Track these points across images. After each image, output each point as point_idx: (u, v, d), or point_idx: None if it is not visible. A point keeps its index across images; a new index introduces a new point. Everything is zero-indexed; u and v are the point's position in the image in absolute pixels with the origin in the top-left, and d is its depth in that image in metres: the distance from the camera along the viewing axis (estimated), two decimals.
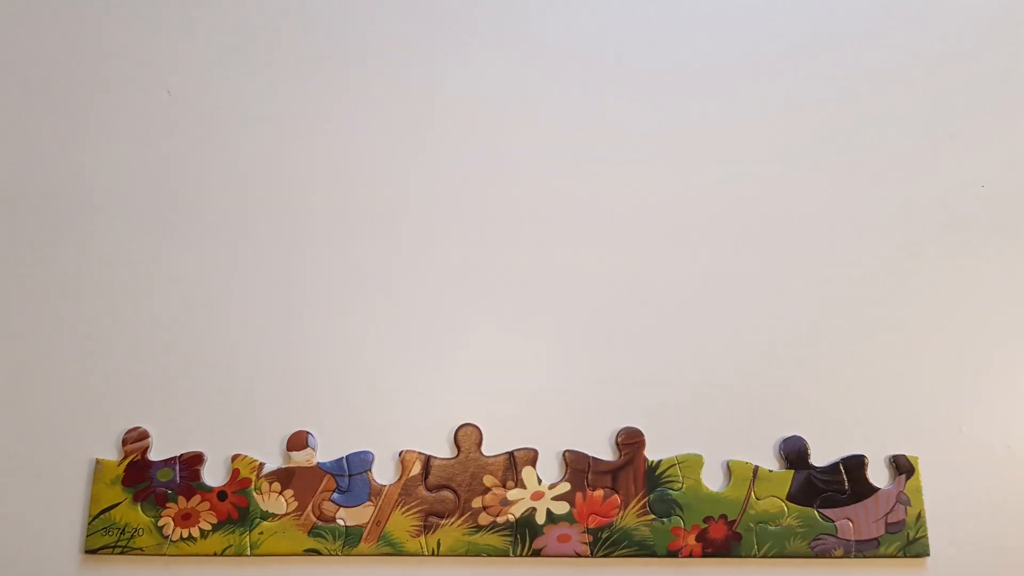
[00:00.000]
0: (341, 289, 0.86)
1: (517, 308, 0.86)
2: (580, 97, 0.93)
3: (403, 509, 0.81)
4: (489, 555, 0.80)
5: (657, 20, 0.96)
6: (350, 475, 0.82)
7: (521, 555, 0.80)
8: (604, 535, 0.81)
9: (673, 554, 0.80)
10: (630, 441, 0.83)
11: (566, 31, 0.95)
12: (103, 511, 0.80)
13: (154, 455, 0.81)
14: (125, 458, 0.81)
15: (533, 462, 0.82)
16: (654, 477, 0.82)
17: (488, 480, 0.82)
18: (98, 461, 0.81)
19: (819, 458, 0.82)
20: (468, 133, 0.91)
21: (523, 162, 0.91)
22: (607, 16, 0.96)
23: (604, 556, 0.80)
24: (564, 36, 0.95)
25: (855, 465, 0.83)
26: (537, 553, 0.80)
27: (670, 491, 0.82)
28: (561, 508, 0.81)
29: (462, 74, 0.93)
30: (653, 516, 0.81)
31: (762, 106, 0.95)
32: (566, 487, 0.82)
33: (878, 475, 0.82)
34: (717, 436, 0.83)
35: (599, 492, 0.82)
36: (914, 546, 0.80)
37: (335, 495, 0.81)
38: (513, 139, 0.92)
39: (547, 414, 0.84)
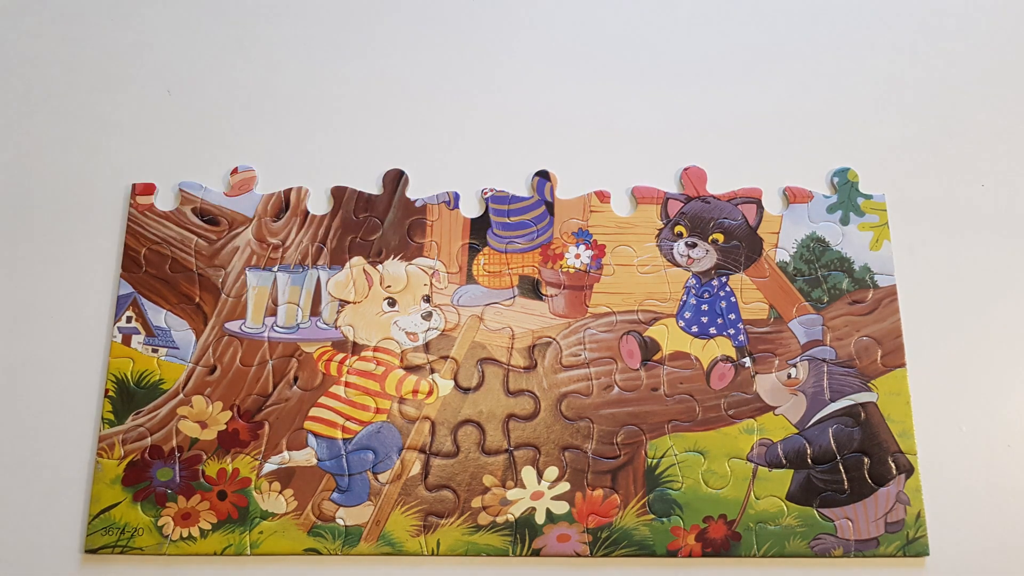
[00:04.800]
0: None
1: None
2: None
3: (403, 509, 0.81)
4: (489, 555, 0.80)
5: None
6: (350, 475, 0.82)
7: (521, 555, 0.80)
8: (603, 535, 0.81)
9: (672, 554, 0.80)
10: (630, 440, 0.83)
11: None
12: (103, 511, 0.80)
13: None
14: (125, 457, 0.81)
15: (533, 462, 0.82)
16: (653, 477, 0.82)
17: (488, 480, 0.82)
18: (98, 461, 0.81)
19: None
20: None
21: None
22: None
23: (603, 556, 0.80)
24: None
25: (855, 464, 0.83)
26: (537, 553, 0.80)
27: (669, 491, 0.82)
28: (560, 508, 0.81)
29: None
30: (652, 516, 0.81)
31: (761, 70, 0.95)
32: (565, 487, 0.82)
33: None
34: None
35: (598, 492, 0.82)
36: (913, 545, 0.80)
37: (335, 495, 0.81)
38: None
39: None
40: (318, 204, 0.90)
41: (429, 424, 0.83)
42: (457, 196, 0.91)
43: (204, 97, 0.94)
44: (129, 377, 0.84)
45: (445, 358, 0.85)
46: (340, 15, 0.98)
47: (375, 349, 0.85)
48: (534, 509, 0.81)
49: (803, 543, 0.80)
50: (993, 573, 0.81)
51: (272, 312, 0.87)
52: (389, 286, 0.88)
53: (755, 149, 0.94)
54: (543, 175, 0.91)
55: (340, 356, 0.85)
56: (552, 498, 0.81)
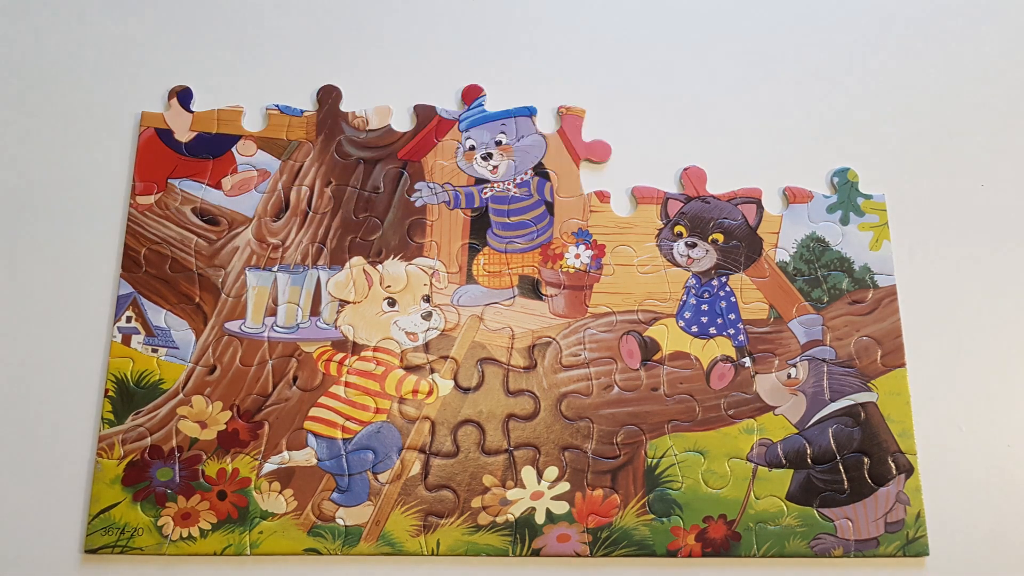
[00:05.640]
0: None
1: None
2: None
3: (403, 509, 0.81)
4: (488, 555, 0.80)
5: None
6: (350, 475, 0.82)
7: (520, 555, 0.80)
8: (603, 535, 0.81)
9: (672, 554, 0.80)
10: (630, 440, 0.83)
11: None
12: (103, 511, 0.80)
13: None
14: (125, 457, 0.81)
15: (533, 462, 0.82)
16: (653, 477, 0.82)
17: (487, 480, 0.82)
18: (98, 461, 0.81)
19: None
20: None
21: None
22: None
23: (603, 556, 0.80)
24: None
25: (854, 464, 0.83)
26: (536, 553, 0.80)
27: (669, 491, 0.82)
28: (560, 508, 0.81)
29: None
30: (652, 516, 0.81)
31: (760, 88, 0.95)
32: (565, 487, 0.82)
33: None
34: None
35: (598, 492, 0.82)
36: (913, 545, 0.80)
37: (335, 494, 0.81)
38: None
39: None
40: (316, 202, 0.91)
41: (429, 424, 0.83)
42: (457, 196, 0.91)
43: (204, 100, 0.94)
44: (129, 377, 0.84)
45: (445, 358, 0.85)
46: (342, 15, 0.98)
47: (375, 349, 0.85)
48: (534, 509, 0.81)
49: (803, 543, 0.81)
50: (993, 573, 0.81)
51: (272, 312, 0.87)
52: (389, 286, 0.88)
53: (755, 149, 0.94)
54: (543, 175, 0.91)
55: (340, 356, 0.85)
56: (552, 498, 0.81)
